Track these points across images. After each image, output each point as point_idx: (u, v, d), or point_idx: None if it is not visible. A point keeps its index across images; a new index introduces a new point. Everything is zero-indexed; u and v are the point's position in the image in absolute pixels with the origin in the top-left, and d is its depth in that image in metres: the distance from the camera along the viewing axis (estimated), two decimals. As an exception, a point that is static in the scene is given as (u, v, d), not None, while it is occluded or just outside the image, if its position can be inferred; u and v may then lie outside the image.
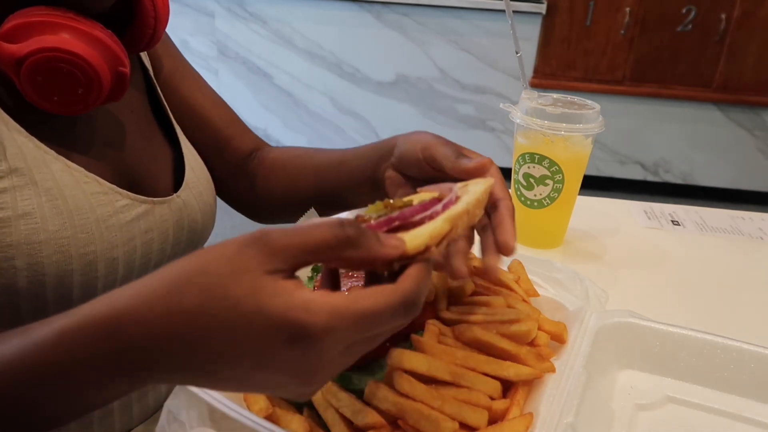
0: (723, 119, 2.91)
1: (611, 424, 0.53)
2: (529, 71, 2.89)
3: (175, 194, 0.63)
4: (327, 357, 0.32)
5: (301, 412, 0.47)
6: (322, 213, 0.72)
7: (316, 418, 0.46)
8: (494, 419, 0.46)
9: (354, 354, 0.35)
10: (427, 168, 0.55)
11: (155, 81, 0.71)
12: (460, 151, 0.53)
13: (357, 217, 0.41)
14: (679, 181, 3.05)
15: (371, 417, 0.43)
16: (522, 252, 0.82)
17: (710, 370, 0.56)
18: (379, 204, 0.42)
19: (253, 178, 0.77)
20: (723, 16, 2.73)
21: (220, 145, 0.77)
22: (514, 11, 0.78)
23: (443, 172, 0.53)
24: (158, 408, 0.66)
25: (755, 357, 0.55)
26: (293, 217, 0.77)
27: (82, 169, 0.54)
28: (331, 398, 0.44)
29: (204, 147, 0.75)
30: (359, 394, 0.44)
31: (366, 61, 2.96)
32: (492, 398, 0.46)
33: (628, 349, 0.58)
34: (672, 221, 0.98)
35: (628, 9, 2.76)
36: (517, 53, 0.84)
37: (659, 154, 3.01)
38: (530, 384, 0.50)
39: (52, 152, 0.53)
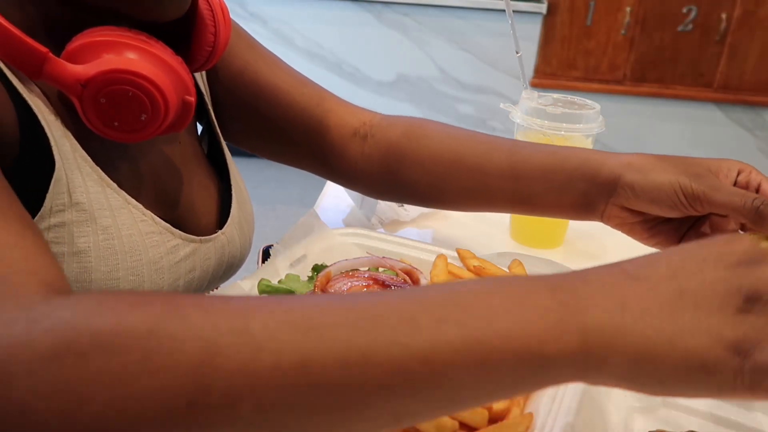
0: (724, 119, 2.91)
1: (608, 426, 0.53)
2: (530, 71, 2.89)
3: (219, 231, 0.61)
4: None
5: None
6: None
7: (316, 418, 0.46)
8: (494, 419, 0.46)
9: None
10: (689, 212, 0.51)
11: (210, 106, 0.66)
12: (764, 207, 0.46)
13: None
14: (679, 180, 3.05)
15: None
16: (522, 252, 0.82)
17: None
18: (756, 237, 0.40)
19: (369, 162, 0.69)
20: (724, 15, 2.72)
21: (314, 124, 0.69)
22: (514, 11, 0.78)
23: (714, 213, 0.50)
24: None
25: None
26: (427, 205, 0.72)
27: (140, 206, 0.52)
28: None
29: (297, 130, 0.69)
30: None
31: (366, 61, 2.96)
32: (492, 398, 0.46)
33: None
34: (672, 221, 0.98)
35: (628, 9, 2.76)
36: (517, 53, 0.84)
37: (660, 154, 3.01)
38: (530, 384, 0.50)
39: (114, 185, 0.50)
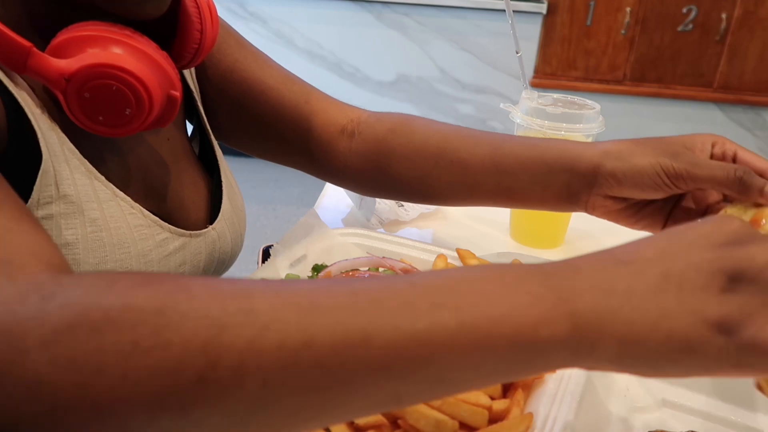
0: (724, 119, 2.91)
1: (608, 426, 0.53)
2: (530, 71, 2.89)
3: (210, 226, 0.61)
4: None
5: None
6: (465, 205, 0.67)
7: (316, 418, 0.46)
8: (494, 419, 0.46)
9: None
10: (673, 191, 0.51)
11: (200, 102, 0.67)
12: (745, 176, 0.48)
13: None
14: (679, 180, 3.05)
15: (371, 417, 0.43)
16: (522, 252, 0.82)
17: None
18: (738, 206, 0.41)
19: (357, 158, 0.69)
20: (724, 15, 2.72)
21: (303, 122, 0.69)
22: (514, 11, 0.78)
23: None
24: None
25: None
26: (414, 201, 0.73)
27: (128, 198, 0.52)
28: (331, 398, 0.44)
29: (286, 127, 0.69)
30: (359, 394, 0.44)
31: (366, 61, 2.96)
32: (492, 398, 0.46)
33: None
34: (672, 221, 0.98)
35: (628, 9, 2.76)
36: (517, 53, 0.84)
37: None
38: (530, 384, 0.50)
39: (102, 178, 0.50)
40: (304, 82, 0.72)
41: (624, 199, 0.55)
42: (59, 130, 0.48)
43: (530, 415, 0.46)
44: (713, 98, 2.87)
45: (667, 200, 0.55)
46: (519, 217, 0.88)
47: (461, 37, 2.86)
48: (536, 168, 0.58)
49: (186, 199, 0.61)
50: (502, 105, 0.85)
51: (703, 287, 0.29)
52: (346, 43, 2.92)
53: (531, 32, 2.80)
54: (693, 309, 0.29)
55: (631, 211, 0.56)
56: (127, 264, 0.51)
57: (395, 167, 0.67)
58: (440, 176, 0.64)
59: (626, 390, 0.57)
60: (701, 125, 2.93)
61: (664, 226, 0.55)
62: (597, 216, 0.57)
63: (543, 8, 2.74)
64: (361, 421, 0.43)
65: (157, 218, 0.54)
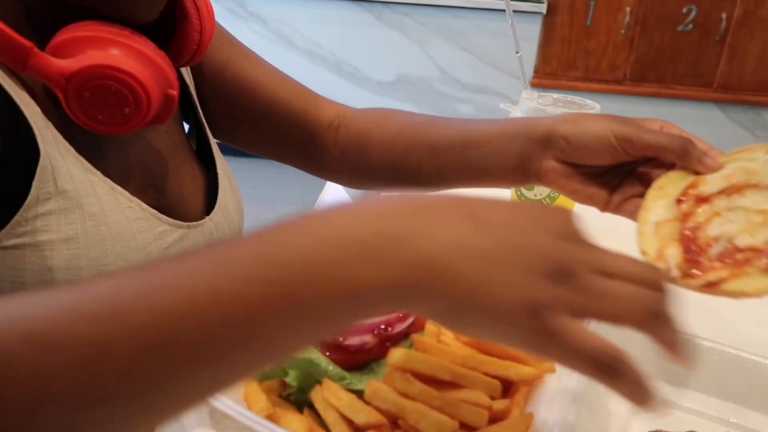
0: (724, 119, 2.91)
1: (608, 426, 0.53)
2: (530, 71, 2.89)
3: (207, 217, 0.62)
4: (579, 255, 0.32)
5: (301, 412, 0.47)
6: (437, 190, 0.67)
7: (317, 417, 0.46)
8: (494, 419, 0.46)
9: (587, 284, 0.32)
10: (622, 157, 0.53)
11: (195, 97, 0.68)
12: (687, 144, 0.51)
13: (684, 194, 0.46)
14: (679, 180, 3.05)
15: (372, 417, 0.43)
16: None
17: (706, 376, 0.56)
18: (678, 173, 0.47)
19: (349, 152, 0.72)
20: (724, 15, 2.72)
21: (294, 121, 0.72)
22: (514, 11, 0.78)
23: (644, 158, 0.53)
24: None
25: (751, 366, 0.55)
26: (393, 189, 0.74)
27: (126, 192, 0.53)
28: (331, 398, 0.44)
29: (277, 127, 0.71)
30: (359, 394, 0.45)
31: (366, 61, 2.96)
32: (492, 398, 0.46)
33: (626, 351, 0.58)
34: (672, 221, 0.98)
35: (628, 9, 2.76)
36: (517, 53, 0.84)
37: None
38: (530, 384, 0.50)
39: (99, 174, 0.51)
40: (294, 80, 0.74)
41: (574, 166, 0.56)
42: (53, 128, 0.49)
43: (530, 416, 0.46)
44: (713, 98, 2.87)
45: (614, 174, 0.56)
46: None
47: (461, 37, 2.86)
48: (497, 138, 0.60)
49: (184, 191, 0.62)
50: (502, 105, 0.85)
51: (530, 268, 0.31)
52: (346, 43, 2.92)
53: (531, 32, 2.80)
54: (520, 285, 0.30)
55: (579, 178, 0.56)
56: (127, 257, 0.51)
57: (374, 156, 0.69)
58: (413, 159, 0.66)
59: (626, 390, 0.57)
60: (701, 125, 2.93)
61: (607, 203, 0.56)
62: (547, 185, 0.58)
63: (543, 8, 2.74)
64: (360, 421, 0.43)
65: (155, 211, 0.55)
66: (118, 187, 0.52)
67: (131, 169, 0.56)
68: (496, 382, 0.47)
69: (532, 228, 0.32)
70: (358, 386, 0.46)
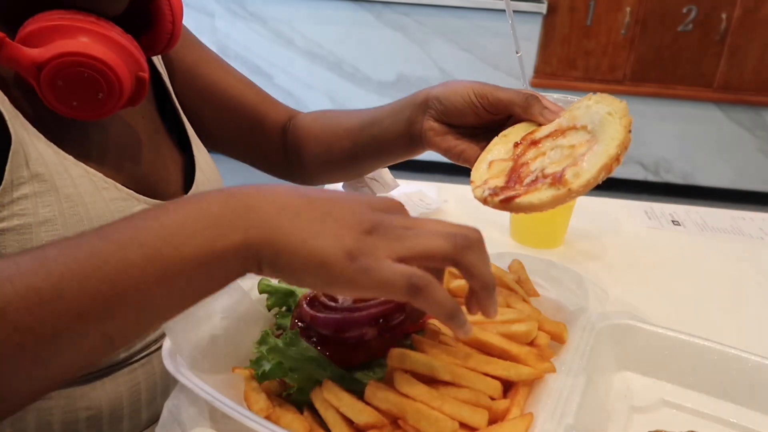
0: (724, 119, 2.91)
1: (607, 426, 0.53)
2: (530, 71, 2.89)
3: (185, 196, 0.63)
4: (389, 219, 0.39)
5: (301, 412, 0.47)
6: (360, 174, 0.77)
7: (317, 417, 0.46)
8: (494, 419, 0.46)
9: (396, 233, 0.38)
10: (484, 114, 0.59)
11: (169, 83, 0.70)
12: (531, 98, 0.58)
13: (522, 139, 0.55)
14: (679, 181, 3.05)
15: (371, 417, 0.43)
16: (522, 252, 0.82)
17: (706, 376, 0.56)
18: (524, 125, 0.57)
19: (292, 149, 0.78)
20: (724, 15, 2.72)
21: (257, 122, 0.78)
22: (514, 11, 0.79)
23: (506, 116, 0.60)
24: None
25: (752, 366, 0.55)
26: (336, 180, 0.82)
27: (100, 174, 0.54)
28: (331, 398, 0.44)
29: (242, 127, 0.76)
30: (359, 394, 0.44)
31: (366, 61, 2.96)
32: (492, 398, 0.46)
33: (626, 351, 0.58)
34: (672, 221, 0.98)
35: (628, 9, 2.76)
36: (517, 53, 0.84)
37: (660, 154, 3.01)
38: (530, 384, 0.50)
39: (71, 158, 0.52)
40: (256, 84, 0.80)
41: (450, 126, 0.62)
42: (22, 117, 0.50)
43: (530, 415, 0.46)
44: (713, 98, 2.87)
45: (485, 134, 0.61)
46: (519, 217, 0.88)
47: (461, 37, 2.86)
48: (393, 111, 0.67)
49: (162, 172, 0.64)
50: (502, 105, 0.85)
51: (350, 226, 0.37)
52: (346, 43, 2.92)
53: (531, 32, 2.80)
54: (336, 236, 0.36)
55: (454, 136, 0.62)
56: None
57: (308, 150, 0.76)
58: (334, 148, 0.73)
59: (626, 390, 0.57)
60: (701, 125, 2.93)
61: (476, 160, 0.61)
62: (428, 146, 0.64)
63: (543, 8, 2.74)
64: (361, 421, 0.43)
65: (131, 191, 0.56)
66: (91, 169, 0.53)
67: (107, 152, 0.58)
68: (496, 382, 0.47)
69: (353, 202, 0.39)
70: (358, 386, 0.46)
